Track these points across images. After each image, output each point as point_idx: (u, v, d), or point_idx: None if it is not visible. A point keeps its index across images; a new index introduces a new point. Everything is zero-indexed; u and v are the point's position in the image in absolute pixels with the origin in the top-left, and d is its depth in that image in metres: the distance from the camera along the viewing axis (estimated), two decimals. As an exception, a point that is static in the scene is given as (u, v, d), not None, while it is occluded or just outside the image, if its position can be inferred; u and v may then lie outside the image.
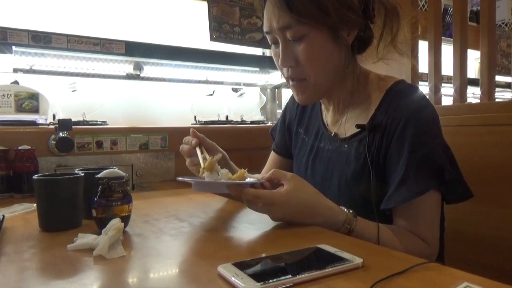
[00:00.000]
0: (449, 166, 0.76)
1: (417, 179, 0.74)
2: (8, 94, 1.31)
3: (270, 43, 0.85)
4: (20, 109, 1.33)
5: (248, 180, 0.76)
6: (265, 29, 0.83)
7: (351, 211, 0.74)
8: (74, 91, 1.57)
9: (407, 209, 0.76)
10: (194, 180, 0.78)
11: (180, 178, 0.81)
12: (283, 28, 0.78)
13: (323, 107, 0.97)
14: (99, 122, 1.54)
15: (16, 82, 1.40)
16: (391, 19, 0.82)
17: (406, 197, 0.74)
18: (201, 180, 0.79)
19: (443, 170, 0.75)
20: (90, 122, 1.52)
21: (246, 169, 0.78)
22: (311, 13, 0.75)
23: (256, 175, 0.82)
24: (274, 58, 0.87)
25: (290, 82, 0.85)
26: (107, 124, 1.55)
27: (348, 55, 0.83)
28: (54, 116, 1.50)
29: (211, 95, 1.88)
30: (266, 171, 1.12)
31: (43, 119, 1.39)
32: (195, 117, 1.82)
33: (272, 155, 1.13)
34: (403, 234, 0.75)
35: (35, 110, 1.36)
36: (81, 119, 1.54)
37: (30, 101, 1.34)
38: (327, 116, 0.95)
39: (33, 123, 1.35)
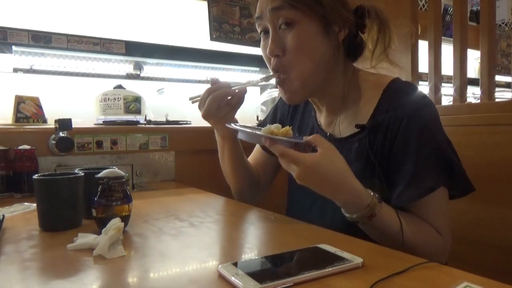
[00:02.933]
0: (456, 159, 0.77)
1: (428, 175, 0.74)
2: (118, 98, 1.50)
3: (259, 32, 0.84)
4: (127, 110, 1.52)
5: (290, 138, 0.72)
6: (257, 14, 0.82)
7: (377, 195, 0.72)
8: (161, 94, 1.76)
9: (418, 205, 0.75)
10: (243, 129, 0.76)
11: (229, 125, 0.80)
12: (275, 9, 0.78)
13: (315, 107, 0.96)
14: (184, 122, 1.66)
15: (119, 86, 1.55)
16: (384, 31, 0.83)
17: (419, 194, 0.74)
18: (248, 131, 0.76)
19: (451, 164, 0.76)
20: (180, 122, 1.65)
21: (291, 127, 0.74)
22: None
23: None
24: (262, 49, 0.85)
25: (277, 80, 0.84)
26: (190, 123, 1.65)
27: (337, 53, 0.82)
28: (145, 117, 1.60)
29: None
30: (251, 162, 1.11)
31: (142, 119, 1.57)
32: (257, 117, 1.95)
33: (258, 150, 1.11)
34: (423, 225, 0.75)
35: (138, 111, 1.55)
36: (164, 119, 1.65)
37: (135, 104, 1.54)
38: (320, 117, 0.94)
39: (137, 123, 1.51)
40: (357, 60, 0.88)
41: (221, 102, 0.89)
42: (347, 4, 0.80)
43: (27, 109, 1.37)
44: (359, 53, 0.87)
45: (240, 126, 0.81)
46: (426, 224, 0.75)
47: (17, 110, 1.35)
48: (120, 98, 1.50)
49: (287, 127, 0.74)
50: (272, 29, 0.80)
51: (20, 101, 1.37)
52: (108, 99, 1.51)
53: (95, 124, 1.50)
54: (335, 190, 0.70)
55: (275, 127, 0.73)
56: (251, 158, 1.12)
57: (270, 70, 0.86)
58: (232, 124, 0.81)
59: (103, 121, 1.51)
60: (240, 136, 0.79)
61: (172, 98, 1.82)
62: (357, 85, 0.87)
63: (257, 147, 1.12)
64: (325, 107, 0.90)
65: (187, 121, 1.66)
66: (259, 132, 0.74)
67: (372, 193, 0.72)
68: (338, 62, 0.84)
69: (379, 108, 0.80)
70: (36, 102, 1.40)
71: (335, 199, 0.72)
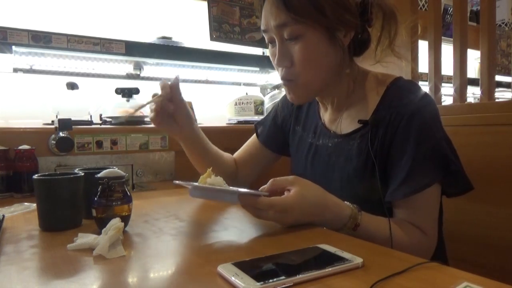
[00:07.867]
0: (453, 157, 0.78)
1: (424, 172, 0.75)
2: (250, 102, 1.82)
3: (267, 42, 0.86)
4: (257, 112, 1.82)
5: (249, 191, 0.73)
6: (262, 27, 0.84)
7: (355, 206, 0.74)
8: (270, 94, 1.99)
9: (409, 201, 0.76)
10: (195, 185, 0.73)
11: (177, 182, 0.78)
12: (279, 26, 0.78)
13: (320, 105, 0.97)
14: None
15: (246, 93, 1.87)
16: (389, 23, 0.83)
17: (414, 189, 0.75)
18: (205, 186, 0.73)
19: (448, 162, 0.76)
20: None
21: (211, 168, 0.76)
22: (308, 12, 0.76)
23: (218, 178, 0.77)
24: (270, 57, 0.87)
25: (283, 82, 0.85)
26: None
27: (344, 56, 0.83)
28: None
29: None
30: (243, 153, 1.10)
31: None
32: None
33: (256, 144, 1.10)
34: (405, 226, 0.76)
35: (262, 113, 1.82)
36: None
37: (261, 106, 1.84)
38: (325, 114, 0.95)
39: None
40: (363, 54, 0.88)
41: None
42: (350, 8, 0.78)
43: (185, 112, 1.67)
44: (365, 49, 0.87)
45: (189, 183, 0.77)
46: (411, 226, 0.76)
47: None
48: (251, 102, 1.80)
49: (208, 170, 0.75)
50: (278, 42, 0.81)
51: None
52: (242, 103, 1.82)
53: (227, 123, 1.83)
54: (323, 211, 0.72)
55: (222, 180, 0.74)
56: (243, 149, 1.12)
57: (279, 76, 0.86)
58: (182, 182, 0.78)
59: (238, 121, 1.80)
60: (194, 193, 0.76)
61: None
62: (361, 83, 0.88)
63: (255, 146, 1.11)
64: (330, 105, 0.92)
65: None
66: (231, 188, 0.72)
67: (349, 204, 0.74)
68: (344, 62, 0.85)
69: (382, 105, 0.82)
70: (190, 106, 1.63)
71: (324, 220, 0.73)
